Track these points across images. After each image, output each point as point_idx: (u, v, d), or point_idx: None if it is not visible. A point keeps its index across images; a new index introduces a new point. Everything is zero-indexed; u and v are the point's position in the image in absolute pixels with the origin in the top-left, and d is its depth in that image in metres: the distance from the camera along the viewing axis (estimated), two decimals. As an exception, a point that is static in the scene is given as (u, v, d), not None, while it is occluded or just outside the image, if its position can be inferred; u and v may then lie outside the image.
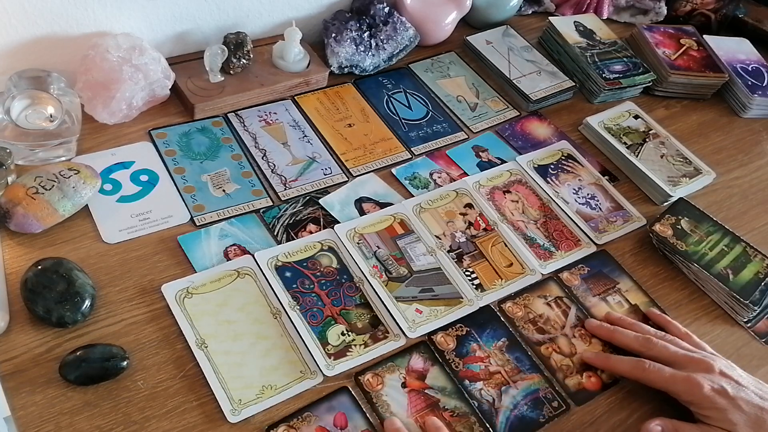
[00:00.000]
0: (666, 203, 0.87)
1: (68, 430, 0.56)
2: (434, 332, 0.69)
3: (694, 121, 1.01)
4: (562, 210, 0.83)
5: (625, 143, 0.92)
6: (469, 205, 0.81)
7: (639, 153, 0.91)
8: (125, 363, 0.60)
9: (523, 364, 0.68)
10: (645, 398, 0.68)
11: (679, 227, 0.82)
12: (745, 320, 0.77)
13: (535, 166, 0.88)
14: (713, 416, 0.61)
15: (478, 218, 0.80)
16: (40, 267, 0.63)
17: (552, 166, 0.88)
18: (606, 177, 0.89)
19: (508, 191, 0.84)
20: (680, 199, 0.86)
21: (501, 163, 0.87)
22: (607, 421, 0.66)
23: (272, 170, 0.80)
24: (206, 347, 0.63)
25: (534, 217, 0.82)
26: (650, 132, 0.95)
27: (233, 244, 0.72)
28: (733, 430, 0.60)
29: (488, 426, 0.63)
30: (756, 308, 0.76)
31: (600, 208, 0.85)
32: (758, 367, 0.72)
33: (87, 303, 0.62)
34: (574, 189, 0.86)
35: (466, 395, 0.64)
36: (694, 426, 0.62)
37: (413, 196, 0.81)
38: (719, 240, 0.82)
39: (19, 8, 0.73)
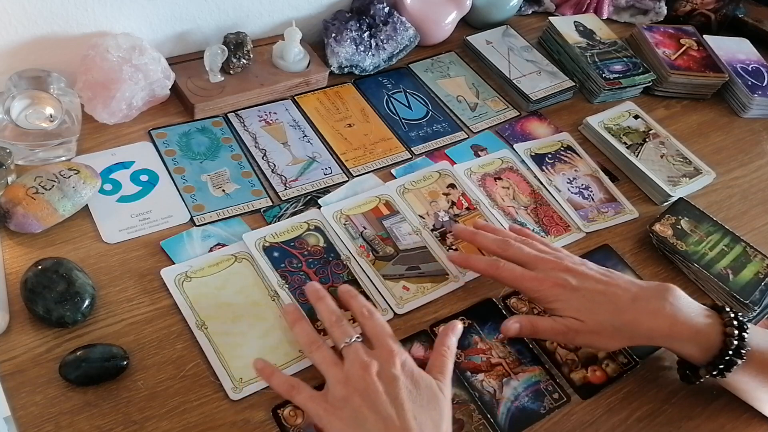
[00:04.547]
0: (666, 203, 0.87)
1: (68, 430, 0.56)
2: (436, 324, 0.69)
3: (694, 121, 1.01)
4: (553, 197, 0.84)
5: (625, 143, 0.92)
6: (452, 186, 0.82)
7: (639, 153, 0.91)
8: (125, 363, 0.60)
9: (524, 357, 0.69)
10: (645, 398, 0.68)
11: (679, 227, 0.82)
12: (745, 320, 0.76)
13: (532, 154, 0.89)
14: (558, 307, 0.65)
15: (461, 197, 0.81)
16: (40, 267, 0.62)
17: (549, 156, 0.89)
18: (606, 177, 0.89)
19: (500, 178, 0.85)
20: (680, 199, 0.86)
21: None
22: (607, 421, 0.66)
23: (272, 170, 0.80)
24: (206, 328, 0.64)
25: (524, 203, 0.83)
26: (650, 132, 0.95)
27: (217, 244, 0.71)
28: (578, 316, 0.64)
29: (489, 417, 0.63)
30: (756, 308, 0.76)
31: (592, 199, 0.85)
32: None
33: (87, 303, 0.62)
34: (569, 178, 0.87)
35: (467, 385, 0.65)
36: (548, 318, 0.66)
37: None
38: (719, 240, 0.82)
39: (19, 8, 0.73)
